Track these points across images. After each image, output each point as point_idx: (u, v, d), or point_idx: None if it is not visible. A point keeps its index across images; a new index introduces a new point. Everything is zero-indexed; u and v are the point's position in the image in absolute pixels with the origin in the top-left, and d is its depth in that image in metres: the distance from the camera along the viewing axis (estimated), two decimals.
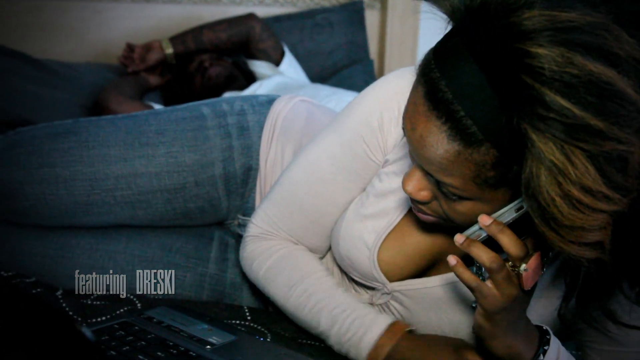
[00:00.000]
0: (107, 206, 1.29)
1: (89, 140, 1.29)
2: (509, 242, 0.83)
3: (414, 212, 1.05)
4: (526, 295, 0.90)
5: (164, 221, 1.33)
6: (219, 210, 1.34)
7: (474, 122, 0.76)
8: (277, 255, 1.15)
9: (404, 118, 0.85)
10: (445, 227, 1.00)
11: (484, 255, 0.84)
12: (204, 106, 1.36)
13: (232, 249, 1.34)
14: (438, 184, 0.85)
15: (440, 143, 0.79)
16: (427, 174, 0.86)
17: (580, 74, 0.68)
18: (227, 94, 2.24)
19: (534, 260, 0.85)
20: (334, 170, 1.10)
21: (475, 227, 0.86)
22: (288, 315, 1.15)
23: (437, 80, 0.78)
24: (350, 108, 1.10)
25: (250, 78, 2.40)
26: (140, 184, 1.28)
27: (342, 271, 1.17)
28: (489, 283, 0.86)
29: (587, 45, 0.70)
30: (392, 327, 1.05)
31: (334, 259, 1.18)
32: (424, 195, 0.90)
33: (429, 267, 1.10)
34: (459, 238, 0.85)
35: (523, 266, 0.84)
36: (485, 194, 0.82)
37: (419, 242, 1.07)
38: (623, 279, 0.89)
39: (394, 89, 1.04)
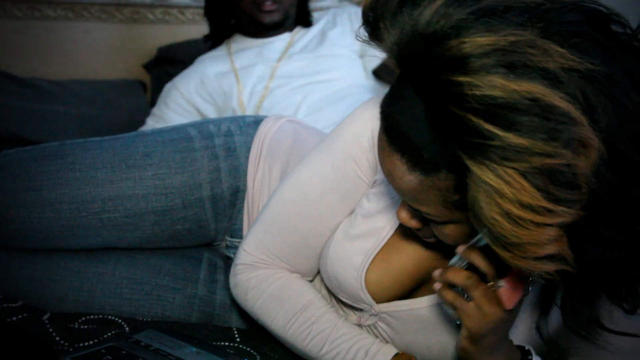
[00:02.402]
0: (94, 229, 1.28)
1: (75, 162, 1.28)
2: (480, 261, 0.87)
3: (401, 233, 1.06)
4: (511, 316, 0.90)
5: (152, 243, 1.32)
6: (207, 231, 1.33)
7: (426, 151, 0.79)
8: (274, 285, 1.14)
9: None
10: (431, 247, 1.01)
11: (457, 275, 0.88)
12: (191, 127, 1.35)
13: (221, 270, 1.33)
14: (421, 213, 0.88)
15: (403, 175, 0.83)
16: (406, 206, 0.90)
17: (503, 95, 0.69)
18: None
19: (508, 278, 0.86)
20: (325, 191, 1.10)
21: (456, 257, 0.90)
22: (286, 345, 1.14)
23: (391, 114, 0.82)
24: (341, 128, 1.10)
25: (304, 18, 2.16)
26: (127, 207, 1.28)
27: (330, 292, 1.17)
28: (472, 304, 0.88)
29: (510, 65, 0.71)
30: (397, 357, 1.06)
31: (322, 280, 1.18)
32: (415, 223, 0.94)
33: (415, 287, 1.10)
34: (436, 274, 0.91)
35: (499, 282, 0.87)
36: (460, 215, 0.84)
37: (405, 263, 1.07)
38: (601, 286, 0.89)
39: None
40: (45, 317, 1.23)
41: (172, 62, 2.51)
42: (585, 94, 0.73)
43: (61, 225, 1.27)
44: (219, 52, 2.14)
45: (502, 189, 0.70)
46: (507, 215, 0.71)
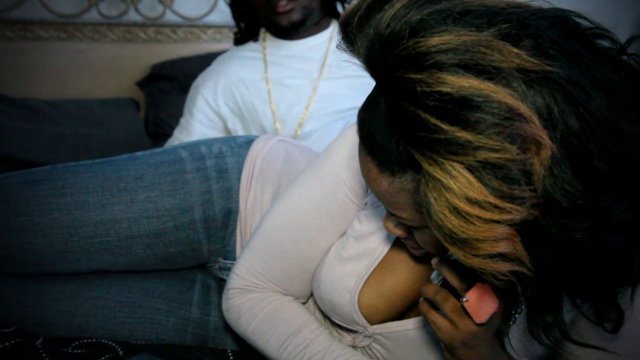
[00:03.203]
0: (86, 253, 1.27)
1: (66, 187, 1.28)
2: (449, 274, 0.89)
3: (393, 254, 1.06)
4: (488, 329, 0.90)
5: (145, 266, 1.32)
6: (199, 253, 1.33)
7: (391, 152, 0.79)
8: (267, 309, 1.14)
9: None
10: (422, 261, 1.01)
11: (428, 290, 0.90)
12: (182, 149, 1.35)
13: (214, 292, 1.33)
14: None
15: (376, 177, 0.83)
16: (390, 215, 0.90)
17: (452, 91, 0.70)
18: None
19: (474, 291, 0.86)
20: (316, 214, 1.10)
21: (436, 271, 0.92)
22: None
23: (362, 117, 0.83)
24: (330, 150, 1.11)
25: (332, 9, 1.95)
26: (119, 230, 1.27)
27: (324, 314, 1.16)
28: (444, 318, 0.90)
29: (462, 64, 0.71)
30: None
31: (316, 302, 1.17)
32: (399, 231, 0.94)
33: (409, 308, 1.10)
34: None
35: (464, 296, 0.87)
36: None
37: (398, 284, 1.07)
38: (560, 291, 0.88)
39: None
40: (39, 342, 1.23)
41: (165, 79, 2.51)
42: (540, 95, 0.73)
43: (53, 250, 1.27)
44: (253, 51, 1.95)
45: (449, 183, 0.70)
46: (455, 210, 0.71)
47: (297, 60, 1.90)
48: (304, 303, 1.20)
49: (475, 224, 0.71)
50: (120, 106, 2.47)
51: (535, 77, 0.72)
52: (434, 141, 0.70)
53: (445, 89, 0.70)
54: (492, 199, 0.70)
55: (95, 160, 1.36)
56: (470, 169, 0.69)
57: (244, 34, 2.00)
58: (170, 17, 2.61)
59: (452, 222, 0.71)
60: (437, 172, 0.71)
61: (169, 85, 2.51)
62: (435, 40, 0.72)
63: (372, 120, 0.81)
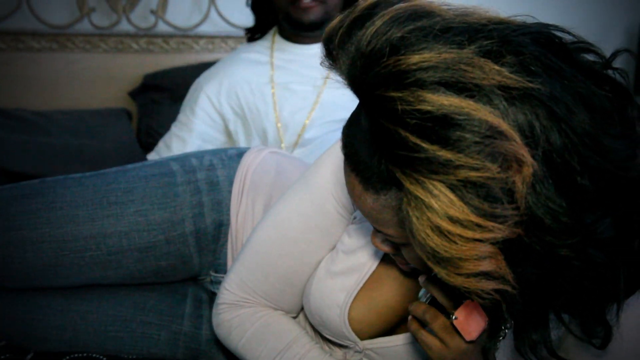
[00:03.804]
0: (76, 267, 1.26)
1: (55, 201, 1.27)
2: (437, 292, 0.89)
3: (382, 268, 1.06)
4: (477, 345, 0.90)
5: (136, 279, 1.31)
6: (191, 267, 1.32)
7: (374, 169, 0.79)
8: (257, 324, 1.13)
9: None
10: (411, 276, 1.01)
11: (416, 308, 0.90)
12: (173, 162, 1.35)
13: (206, 306, 1.32)
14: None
15: (360, 194, 0.83)
16: (377, 232, 0.89)
17: (432, 110, 0.70)
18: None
19: (462, 309, 0.86)
20: (305, 229, 1.10)
21: (423, 290, 0.92)
22: None
23: (346, 134, 0.83)
24: (319, 164, 1.10)
25: None
26: (109, 244, 1.26)
27: (315, 329, 1.16)
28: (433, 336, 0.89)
29: (443, 82, 0.71)
30: None
31: (306, 317, 1.17)
32: (386, 248, 0.94)
33: (399, 322, 1.09)
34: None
35: (453, 314, 0.88)
36: None
37: (388, 299, 1.07)
38: (545, 309, 0.87)
39: None
40: (29, 357, 1.22)
41: (158, 89, 2.51)
42: (522, 111, 0.72)
43: (43, 264, 1.26)
44: (260, 53, 1.93)
45: (430, 202, 0.70)
46: (437, 229, 0.71)
47: (304, 65, 1.89)
48: (294, 317, 1.19)
49: (457, 243, 0.70)
50: (112, 116, 2.47)
51: (516, 94, 0.72)
52: (414, 160, 0.70)
53: (425, 107, 0.70)
54: (473, 218, 0.70)
55: (85, 173, 1.35)
56: (452, 187, 0.69)
57: (256, 27, 1.98)
58: (162, 27, 2.61)
59: (435, 241, 0.71)
60: (418, 191, 0.70)
61: (161, 96, 2.50)
62: (415, 58, 0.72)
63: (355, 138, 0.81)
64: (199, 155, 1.37)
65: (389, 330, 1.09)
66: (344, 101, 1.78)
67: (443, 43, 0.73)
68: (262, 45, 1.95)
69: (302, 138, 1.84)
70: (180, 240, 1.29)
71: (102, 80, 2.54)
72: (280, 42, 1.93)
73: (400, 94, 0.71)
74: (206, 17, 2.63)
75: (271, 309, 1.15)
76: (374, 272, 1.06)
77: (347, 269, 1.07)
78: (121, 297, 1.30)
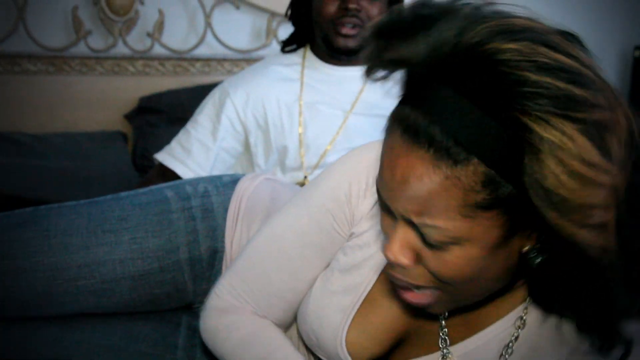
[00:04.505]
0: (69, 296, 1.26)
1: (49, 229, 1.26)
2: None
3: (378, 289, 1.04)
4: None
5: (130, 308, 1.30)
6: (185, 294, 1.31)
7: (457, 138, 0.74)
8: (244, 331, 1.11)
9: (380, 171, 0.83)
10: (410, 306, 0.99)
11: None
12: (168, 189, 1.34)
13: (199, 335, 1.31)
14: (422, 237, 0.81)
15: (425, 173, 0.76)
16: (408, 228, 0.82)
17: (549, 61, 0.71)
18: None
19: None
20: (300, 245, 1.08)
21: None
22: None
23: (412, 114, 0.78)
24: (319, 181, 1.09)
25: None
26: (103, 272, 1.25)
27: (309, 350, 1.15)
28: None
29: (547, 43, 0.73)
30: None
31: (300, 337, 1.16)
32: (405, 259, 0.84)
33: (394, 346, 1.08)
34: None
35: None
36: (474, 228, 0.78)
37: (383, 320, 1.05)
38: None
39: (363, 161, 1.03)
40: None
41: (154, 112, 2.52)
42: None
43: (36, 293, 1.25)
44: (291, 69, 1.89)
45: (564, 143, 0.69)
46: (571, 172, 0.70)
47: (333, 87, 1.87)
48: (287, 330, 1.18)
49: (588, 187, 0.70)
50: (107, 139, 2.47)
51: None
52: (546, 99, 0.70)
53: (543, 58, 0.72)
54: (601, 161, 0.70)
55: (80, 201, 1.34)
56: (583, 129, 0.70)
57: (292, 39, 1.94)
58: (158, 50, 2.62)
59: (568, 186, 0.70)
60: (550, 133, 0.70)
61: (157, 118, 2.51)
62: (520, 22, 0.76)
63: (435, 110, 0.76)
64: (194, 182, 1.36)
65: (385, 352, 1.08)
66: (368, 129, 1.81)
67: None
68: (293, 60, 1.92)
69: (323, 161, 1.82)
70: (175, 267, 1.28)
71: (98, 102, 2.55)
72: (312, 59, 1.90)
73: (516, 46, 0.72)
74: (202, 40, 2.65)
75: (259, 317, 1.13)
76: (369, 291, 1.05)
77: (342, 289, 1.05)
78: (114, 326, 1.29)
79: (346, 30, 1.77)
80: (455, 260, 0.81)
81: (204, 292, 1.31)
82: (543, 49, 0.72)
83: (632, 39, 3.31)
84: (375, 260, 1.02)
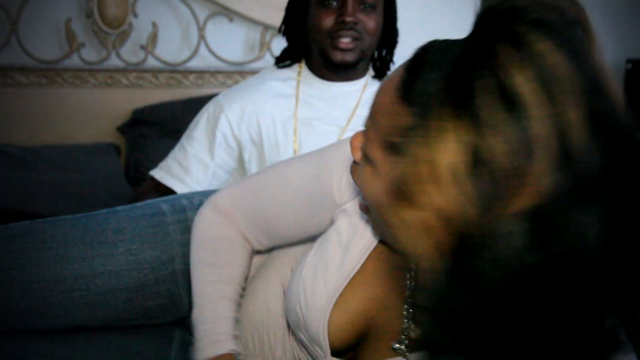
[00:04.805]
0: (64, 308, 1.25)
1: (45, 241, 1.26)
2: None
3: (361, 272, 1.05)
4: None
5: (124, 321, 1.30)
6: (179, 307, 1.31)
7: (421, 89, 0.82)
8: (221, 233, 1.18)
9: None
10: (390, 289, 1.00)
11: None
12: (163, 203, 1.35)
13: (192, 349, 1.30)
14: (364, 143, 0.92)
15: (386, 91, 0.87)
16: (364, 132, 0.93)
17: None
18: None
19: None
20: (300, 191, 1.12)
21: None
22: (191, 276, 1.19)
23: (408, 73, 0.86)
24: (337, 145, 1.12)
25: (380, 68, 1.91)
26: (98, 284, 1.25)
27: (290, 331, 1.14)
28: None
29: None
30: (221, 357, 1.08)
31: (288, 325, 1.15)
32: (358, 155, 0.95)
33: (366, 333, 1.07)
34: None
35: None
36: (382, 162, 0.88)
37: (360, 303, 1.05)
38: None
39: None
40: None
41: (147, 124, 2.51)
42: None
43: (31, 305, 1.24)
44: (287, 84, 1.88)
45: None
46: None
47: (329, 103, 1.86)
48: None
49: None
50: (100, 152, 2.46)
51: None
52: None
53: None
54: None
55: (75, 215, 1.34)
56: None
57: (288, 55, 1.92)
58: (151, 62, 2.61)
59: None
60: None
61: (150, 130, 2.50)
62: None
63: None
64: (189, 196, 1.38)
65: (357, 340, 1.07)
66: None
67: None
68: (288, 75, 1.90)
69: None
70: (170, 279, 1.28)
71: (91, 115, 2.54)
72: (307, 75, 1.89)
73: None
74: (195, 52, 2.65)
75: (241, 236, 1.20)
76: (354, 276, 1.05)
77: (332, 268, 1.05)
78: (106, 341, 1.28)
79: (344, 43, 1.75)
80: (364, 178, 0.93)
81: None
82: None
83: (624, 52, 3.34)
84: (364, 243, 1.05)
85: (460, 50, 0.70)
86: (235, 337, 1.12)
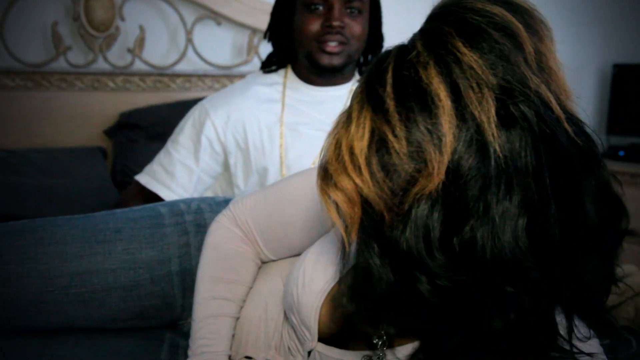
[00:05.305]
0: (59, 305, 1.25)
1: (44, 237, 1.27)
2: None
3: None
4: None
5: (117, 322, 1.30)
6: (173, 308, 1.32)
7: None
8: (236, 248, 1.16)
9: None
10: None
11: None
12: (161, 206, 1.36)
13: (182, 352, 1.29)
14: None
15: None
16: None
17: None
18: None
19: None
20: (308, 204, 1.10)
21: None
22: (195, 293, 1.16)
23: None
24: None
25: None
26: (95, 282, 1.26)
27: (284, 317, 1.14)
28: None
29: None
30: None
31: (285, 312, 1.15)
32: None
33: (350, 329, 1.06)
34: None
35: None
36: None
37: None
38: None
39: None
40: None
41: (134, 127, 2.50)
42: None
43: (26, 300, 1.24)
44: (273, 89, 1.88)
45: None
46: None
47: (315, 108, 1.87)
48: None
49: None
50: (87, 155, 2.45)
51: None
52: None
53: None
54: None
55: (75, 215, 1.36)
56: None
57: (273, 60, 1.92)
58: (139, 65, 2.61)
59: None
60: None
61: (137, 134, 2.49)
62: None
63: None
64: (187, 201, 1.39)
65: (344, 337, 1.06)
66: None
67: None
68: (274, 80, 1.90)
69: None
70: (166, 279, 1.29)
71: (77, 118, 2.52)
72: (293, 80, 1.89)
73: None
74: (183, 55, 2.64)
75: (255, 255, 1.18)
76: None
77: (333, 258, 1.04)
78: (97, 342, 1.28)
79: (330, 47, 1.76)
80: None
81: (191, 308, 1.30)
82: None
83: (610, 57, 3.36)
84: None
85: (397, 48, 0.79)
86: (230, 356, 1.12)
